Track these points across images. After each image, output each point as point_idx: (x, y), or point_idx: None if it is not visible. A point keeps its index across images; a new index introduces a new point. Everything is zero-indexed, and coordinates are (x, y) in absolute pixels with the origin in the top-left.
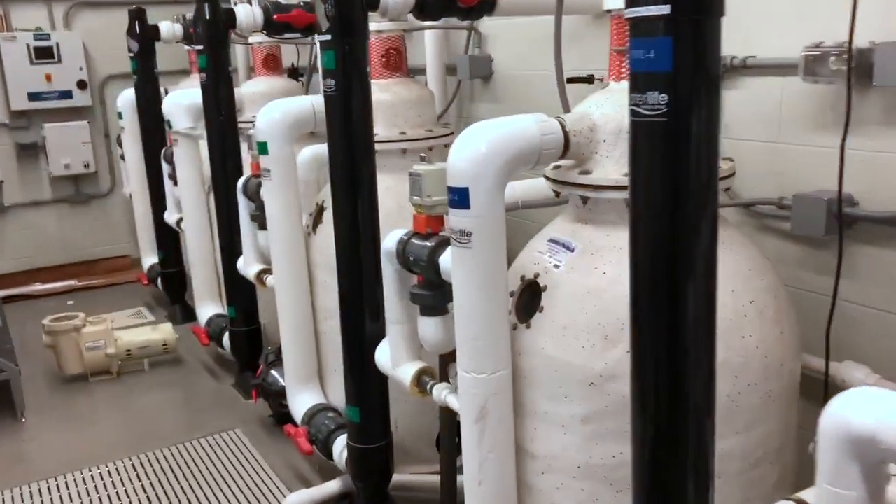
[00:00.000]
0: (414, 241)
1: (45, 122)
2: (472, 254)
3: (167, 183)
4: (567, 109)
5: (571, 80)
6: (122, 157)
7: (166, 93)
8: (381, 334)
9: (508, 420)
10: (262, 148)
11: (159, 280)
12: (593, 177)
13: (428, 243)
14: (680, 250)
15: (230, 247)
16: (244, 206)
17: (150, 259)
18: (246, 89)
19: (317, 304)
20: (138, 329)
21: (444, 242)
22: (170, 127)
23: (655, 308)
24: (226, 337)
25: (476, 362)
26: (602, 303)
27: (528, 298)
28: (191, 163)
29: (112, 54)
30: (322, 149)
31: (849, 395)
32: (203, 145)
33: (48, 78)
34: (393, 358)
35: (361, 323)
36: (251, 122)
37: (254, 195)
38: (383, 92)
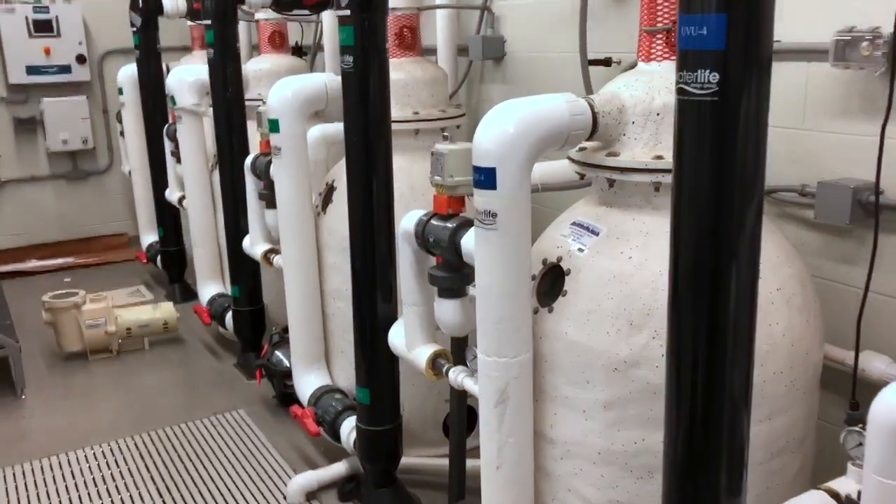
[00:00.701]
0: (434, 221)
1: (43, 96)
2: (497, 235)
3: (169, 160)
4: (589, 91)
5: (590, 63)
6: (122, 134)
7: (167, 69)
8: (393, 316)
9: (528, 404)
10: (273, 125)
11: (158, 258)
12: (621, 159)
13: (449, 224)
14: (724, 238)
15: (235, 226)
16: (252, 185)
17: (149, 237)
18: (251, 67)
19: (325, 285)
20: (139, 308)
21: (466, 223)
22: (173, 103)
23: (696, 297)
24: (228, 316)
25: (498, 345)
26: (628, 288)
27: (551, 282)
28: (194, 140)
29: (112, 29)
30: (331, 128)
31: None
32: (207, 122)
33: (47, 52)
34: (408, 340)
35: (374, 304)
36: (256, 99)
37: (262, 173)
38: (397, 71)
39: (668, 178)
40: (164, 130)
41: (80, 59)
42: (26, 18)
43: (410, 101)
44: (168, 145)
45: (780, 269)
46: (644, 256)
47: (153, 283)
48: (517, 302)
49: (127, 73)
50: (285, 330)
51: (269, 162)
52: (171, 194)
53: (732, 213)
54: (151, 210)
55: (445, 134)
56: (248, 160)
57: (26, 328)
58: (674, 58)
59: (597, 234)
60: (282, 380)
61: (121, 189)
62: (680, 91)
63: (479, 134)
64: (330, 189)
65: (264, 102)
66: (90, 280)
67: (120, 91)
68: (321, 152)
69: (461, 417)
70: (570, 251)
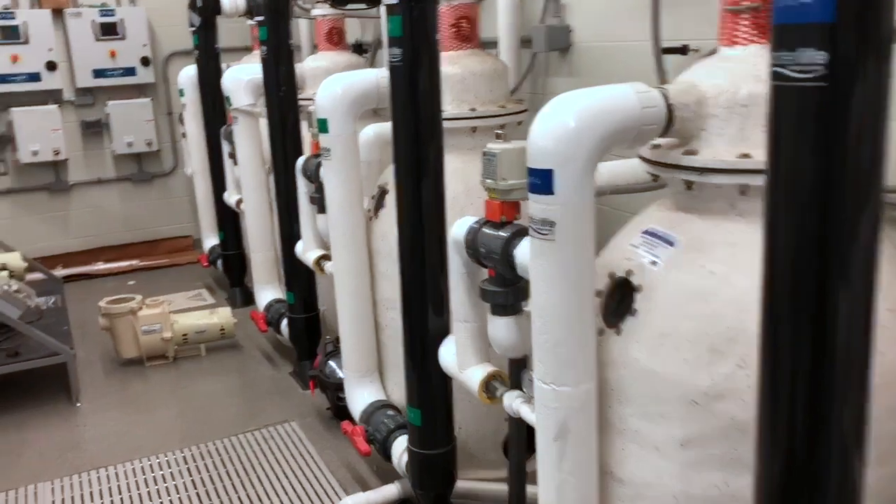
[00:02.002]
0: (486, 230)
1: (108, 99)
2: (554, 247)
3: (227, 162)
4: (663, 82)
5: (664, 52)
6: (184, 136)
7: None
8: (445, 330)
9: (592, 439)
10: (322, 125)
11: (219, 262)
12: (701, 157)
13: (502, 233)
14: (833, 250)
15: (289, 230)
16: (303, 188)
17: (210, 240)
18: (308, 65)
19: (377, 294)
20: (196, 313)
21: (521, 233)
22: (229, 104)
23: (795, 320)
24: (284, 323)
25: (556, 373)
26: (709, 307)
27: (618, 300)
28: (250, 141)
29: (176, 30)
30: (386, 127)
31: None
32: (264, 123)
33: (112, 54)
34: (459, 359)
35: (424, 318)
36: (312, 99)
37: (313, 176)
38: (452, 65)
39: (756, 180)
40: (221, 132)
41: (145, 62)
42: (92, 22)
43: (467, 97)
44: (225, 147)
45: (894, 287)
46: (728, 271)
47: (215, 286)
48: (579, 323)
49: (188, 75)
50: (338, 339)
51: (320, 164)
52: (230, 197)
53: (843, 221)
54: (213, 213)
55: (499, 132)
56: (300, 162)
57: (87, 332)
58: (762, 40)
59: (672, 245)
60: (335, 392)
61: (185, 191)
62: (776, 76)
63: (535, 130)
64: (382, 192)
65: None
66: (153, 283)
67: (181, 92)
68: (374, 153)
69: (520, 440)
70: (641, 264)
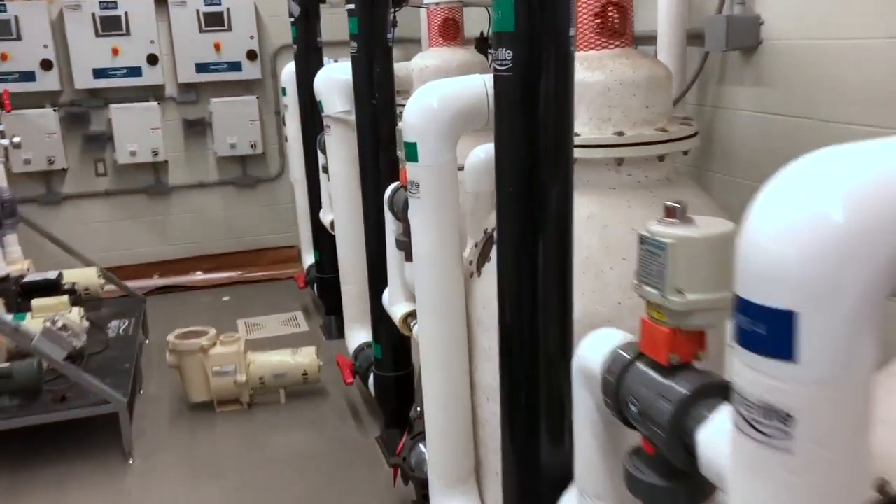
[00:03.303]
0: (642, 368)
1: (212, 96)
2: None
3: (322, 176)
4: None
5: None
6: (286, 139)
7: None
8: (565, 468)
9: None
10: (410, 151)
11: (315, 285)
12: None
13: (674, 386)
14: None
15: (377, 270)
16: (391, 225)
17: (309, 258)
18: (416, 63)
19: (476, 376)
20: (276, 354)
21: (708, 391)
22: (321, 109)
23: None
24: (373, 376)
25: None
26: None
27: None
28: (344, 155)
29: (286, 22)
30: None
31: None
32: None
33: (217, 47)
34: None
35: (535, 447)
36: None
37: (400, 213)
38: (592, 69)
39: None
40: (318, 140)
41: (251, 56)
42: (197, 12)
43: (612, 115)
44: (321, 158)
45: None
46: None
47: (313, 309)
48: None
49: (290, 71)
50: None
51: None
52: (324, 216)
53: None
54: (310, 228)
55: (674, 205)
56: (387, 193)
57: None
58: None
59: None
60: (422, 489)
61: (291, 198)
62: None
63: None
64: (489, 239)
65: None
66: (249, 299)
67: (283, 91)
68: (485, 182)
69: None
70: None
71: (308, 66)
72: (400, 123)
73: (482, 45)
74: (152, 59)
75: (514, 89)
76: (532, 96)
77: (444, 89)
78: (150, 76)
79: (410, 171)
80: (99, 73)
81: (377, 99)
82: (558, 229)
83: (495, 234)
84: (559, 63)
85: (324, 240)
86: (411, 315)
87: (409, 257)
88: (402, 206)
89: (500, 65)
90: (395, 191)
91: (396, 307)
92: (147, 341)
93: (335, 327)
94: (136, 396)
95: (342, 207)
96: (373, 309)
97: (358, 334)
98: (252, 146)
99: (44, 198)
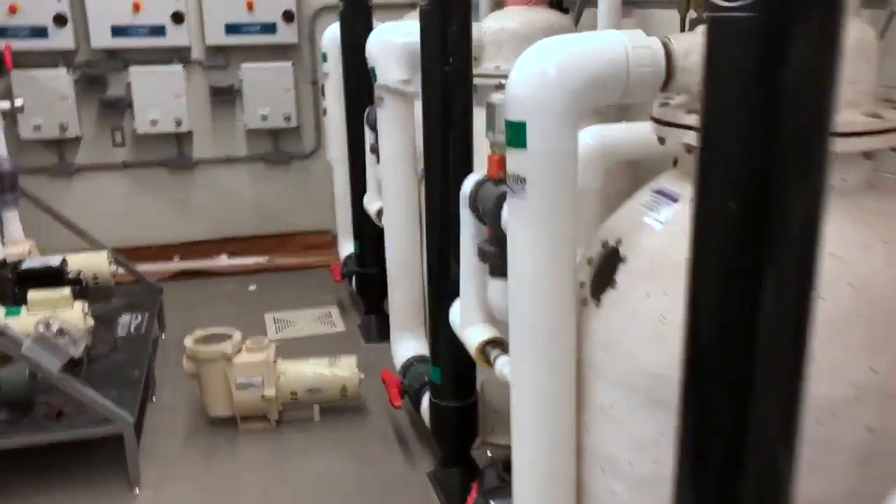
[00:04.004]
0: (486, 186)
1: (243, 61)
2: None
3: (369, 158)
4: None
5: None
6: (325, 112)
7: None
8: None
9: None
10: (516, 134)
11: (353, 279)
12: None
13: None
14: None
15: (441, 279)
16: (469, 229)
17: (347, 246)
18: (488, 25)
19: (589, 440)
20: (311, 364)
21: None
22: (374, 77)
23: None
24: (425, 400)
25: None
26: None
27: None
28: (399, 133)
29: None
30: (618, 135)
31: None
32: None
33: (249, 6)
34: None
35: None
36: (494, 75)
37: (490, 214)
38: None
39: None
40: (365, 115)
41: (288, 17)
42: None
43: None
44: (368, 136)
45: None
46: None
47: (349, 304)
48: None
49: (332, 35)
50: (508, 466)
51: (502, 197)
52: (370, 203)
53: None
54: (350, 214)
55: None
56: (467, 187)
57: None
58: None
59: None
60: None
61: (327, 178)
62: None
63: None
64: (610, 256)
65: (502, 82)
66: (278, 290)
67: (324, 57)
68: (596, 178)
69: None
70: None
71: (356, 27)
72: (494, 96)
73: (557, 5)
74: (177, 18)
75: (753, 42)
76: (780, 54)
77: (563, 50)
78: (175, 36)
79: (514, 161)
80: (118, 32)
81: (451, 65)
82: (801, 261)
83: (620, 250)
84: (825, 6)
85: (367, 230)
86: (493, 344)
87: (495, 272)
88: (493, 205)
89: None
90: (479, 185)
91: (471, 331)
92: (163, 336)
93: (375, 329)
94: (148, 405)
95: (394, 196)
96: (434, 327)
97: (407, 346)
98: (286, 119)
99: (55, 168)
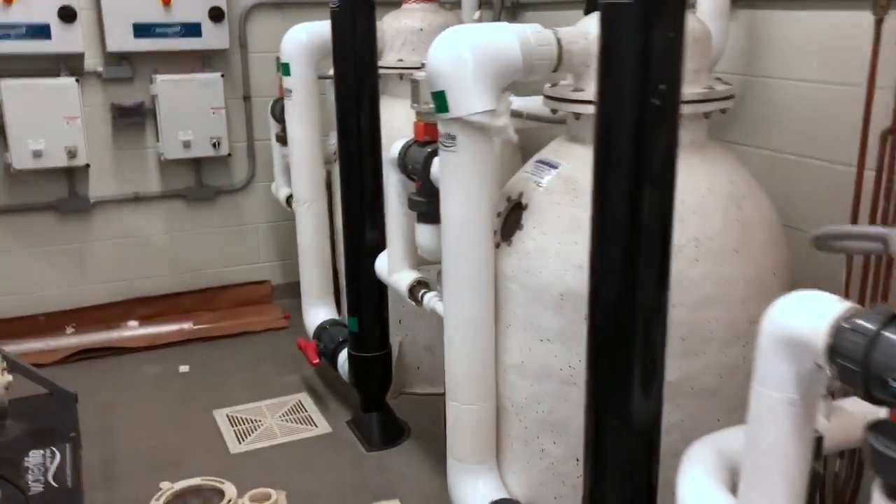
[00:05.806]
0: (414, 148)
1: (157, 72)
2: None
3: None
4: None
5: None
6: (279, 138)
7: None
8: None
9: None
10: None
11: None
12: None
13: (423, 150)
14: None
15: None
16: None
17: (315, 315)
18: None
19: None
20: None
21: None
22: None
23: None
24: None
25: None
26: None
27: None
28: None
29: None
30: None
31: None
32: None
33: (166, 2)
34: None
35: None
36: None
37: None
38: None
39: None
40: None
41: (216, 15)
42: None
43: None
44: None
45: None
46: None
47: (322, 388)
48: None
49: (298, 40)
50: None
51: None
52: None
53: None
54: (330, 276)
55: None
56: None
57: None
58: None
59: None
60: None
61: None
62: None
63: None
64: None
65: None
66: (219, 370)
67: (285, 69)
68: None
69: None
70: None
71: (354, 26)
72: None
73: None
74: (67, 15)
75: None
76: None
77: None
78: (64, 39)
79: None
80: None
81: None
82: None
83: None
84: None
85: (368, 299)
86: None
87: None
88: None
89: None
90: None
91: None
92: None
93: (378, 430)
94: None
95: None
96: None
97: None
98: (214, 145)
99: None
